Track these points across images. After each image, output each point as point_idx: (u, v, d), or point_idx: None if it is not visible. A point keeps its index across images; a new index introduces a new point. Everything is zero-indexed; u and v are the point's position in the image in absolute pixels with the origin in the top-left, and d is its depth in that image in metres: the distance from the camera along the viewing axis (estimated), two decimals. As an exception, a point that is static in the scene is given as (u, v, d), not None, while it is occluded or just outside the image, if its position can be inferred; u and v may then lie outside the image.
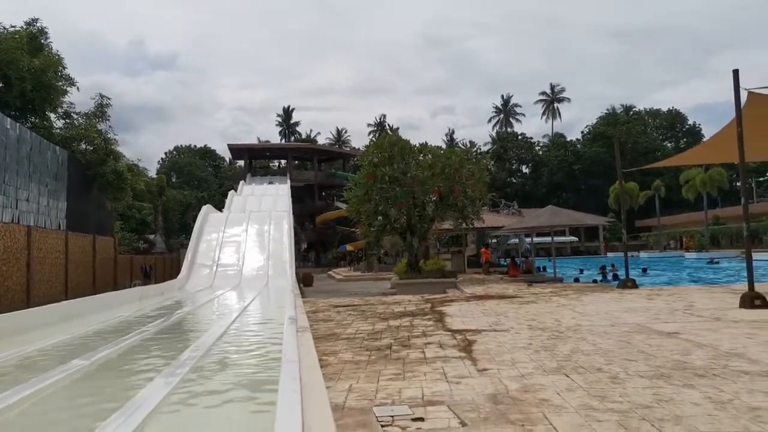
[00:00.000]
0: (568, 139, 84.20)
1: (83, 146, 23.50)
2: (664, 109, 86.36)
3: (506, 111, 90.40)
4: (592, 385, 4.80)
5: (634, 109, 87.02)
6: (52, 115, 23.96)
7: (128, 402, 3.99)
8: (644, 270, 28.11)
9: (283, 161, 67.94)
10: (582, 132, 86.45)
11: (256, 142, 79.79)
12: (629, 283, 15.01)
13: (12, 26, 21.92)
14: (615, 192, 56.90)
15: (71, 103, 24.63)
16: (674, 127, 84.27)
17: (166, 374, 4.91)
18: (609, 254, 51.68)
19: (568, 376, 5.13)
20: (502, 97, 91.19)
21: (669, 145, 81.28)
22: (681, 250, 53.01)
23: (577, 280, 22.89)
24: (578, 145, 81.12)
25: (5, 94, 20.60)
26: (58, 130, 23.54)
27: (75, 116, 24.75)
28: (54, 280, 15.63)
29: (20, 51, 20.65)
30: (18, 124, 17.85)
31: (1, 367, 5.71)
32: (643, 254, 49.83)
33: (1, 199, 15.91)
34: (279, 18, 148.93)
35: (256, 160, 65.04)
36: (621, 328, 7.90)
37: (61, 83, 23.32)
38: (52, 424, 3.96)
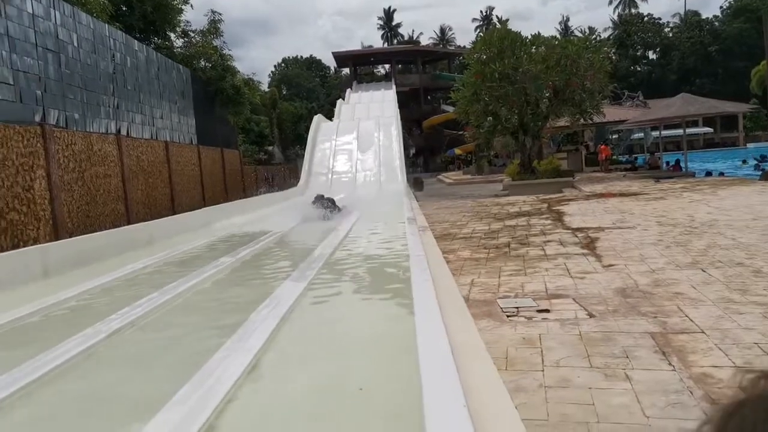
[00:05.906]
0: (704, 17, 73.81)
1: (203, 64, 24.71)
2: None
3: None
4: (731, 279, 4.56)
5: (790, -28, 73.49)
6: (172, 35, 25.24)
7: (275, 290, 4.47)
8: None
9: (387, 66, 66.89)
10: (721, 7, 74.81)
11: (359, 48, 78.90)
12: (775, 176, 13.54)
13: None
14: (759, 75, 49.80)
15: (187, 22, 25.67)
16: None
17: (303, 268, 5.40)
18: (749, 145, 46.38)
19: (704, 271, 4.90)
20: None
21: (833, 13, 68.57)
22: None
23: (709, 173, 21.02)
24: (716, 23, 70.90)
25: (129, 17, 21.89)
26: (178, 49, 24.84)
27: (192, 34, 25.88)
28: (192, 189, 17.24)
29: (136, -29, 21.59)
30: (144, 46, 19.09)
31: (164, 264, 6.59)
32: (790, 144, 44.12)
33: (140, 118, 17.48)
34: None
35: (360, 66, 64.65)
36: (764, 221, 7.26)
37: (176, 1, 24.26)
38: (213, 307, 4.58)
